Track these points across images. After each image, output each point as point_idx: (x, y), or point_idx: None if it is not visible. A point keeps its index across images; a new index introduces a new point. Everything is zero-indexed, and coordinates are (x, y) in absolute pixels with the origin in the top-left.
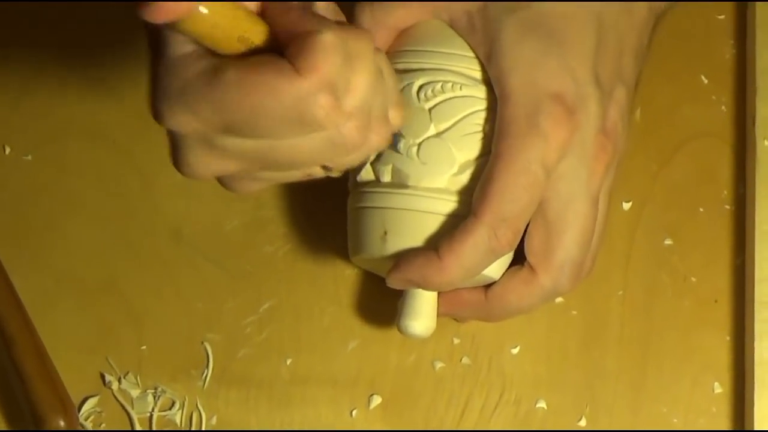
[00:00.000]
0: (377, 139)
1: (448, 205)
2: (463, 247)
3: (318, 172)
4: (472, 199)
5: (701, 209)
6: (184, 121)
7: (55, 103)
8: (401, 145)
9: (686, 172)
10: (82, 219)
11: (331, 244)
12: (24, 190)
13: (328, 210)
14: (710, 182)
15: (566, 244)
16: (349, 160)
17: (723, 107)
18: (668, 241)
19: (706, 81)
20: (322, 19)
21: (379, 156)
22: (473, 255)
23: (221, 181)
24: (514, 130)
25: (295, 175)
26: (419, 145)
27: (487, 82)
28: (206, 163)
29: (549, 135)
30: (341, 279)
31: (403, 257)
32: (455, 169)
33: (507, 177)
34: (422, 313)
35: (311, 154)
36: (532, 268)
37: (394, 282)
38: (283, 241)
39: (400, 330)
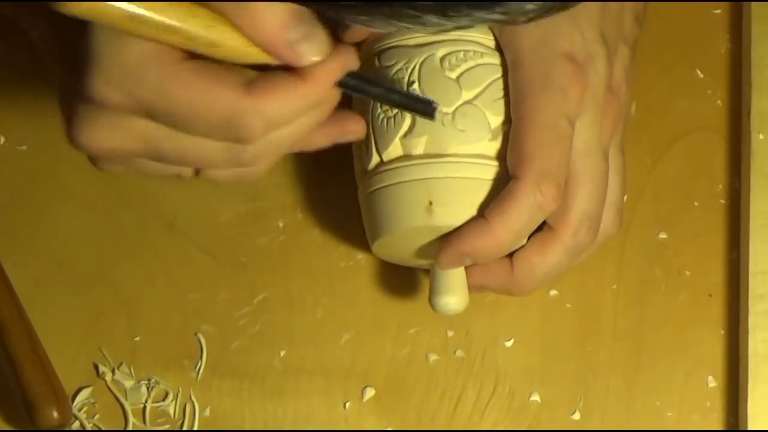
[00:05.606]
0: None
1: (490, 170)
2: (512, 210)
3: (187, 174)
4: (507, 164)
5: (696, 203)
6: (111, 95)
7: (50, 93)
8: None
9: (681, 166)
10: (77, 209)
11: (325, 235)
12: (18, 180)
13: (322, 201)
14: (705, 176)
15: (582, 197)
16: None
17: (718, 101)
18: (663, 235)
19: (701, 75)
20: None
21: (410, 130)
22: (522, 216)
23: (93, 158)
24: (534, 91)
25: (169, 172)
26: (454, 112)
27: (500, 49)
28: (102, 138)
29: (567, 90)
30: (335, 271)
31: (451, 234)
32: (490, 134)
33: (538, 135)
34: (455, 287)
35: (207, 154)
36: (551, 227)
37: (446, 260)
38: (277, 233)
39: (435, 308)
